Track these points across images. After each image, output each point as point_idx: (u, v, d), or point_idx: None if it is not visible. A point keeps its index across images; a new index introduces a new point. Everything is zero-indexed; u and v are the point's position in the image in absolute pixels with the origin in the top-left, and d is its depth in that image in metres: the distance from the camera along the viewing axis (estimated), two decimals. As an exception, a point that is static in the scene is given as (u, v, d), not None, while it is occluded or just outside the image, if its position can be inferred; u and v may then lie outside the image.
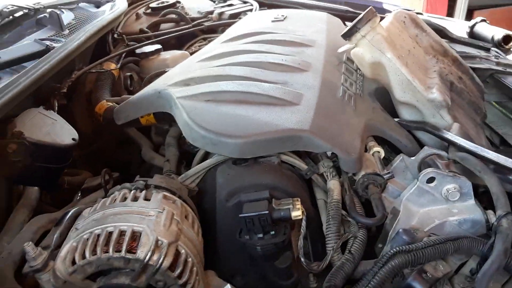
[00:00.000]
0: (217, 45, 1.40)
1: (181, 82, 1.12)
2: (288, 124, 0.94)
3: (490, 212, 0.96)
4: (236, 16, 2.17)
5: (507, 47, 1.74)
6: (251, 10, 2.25)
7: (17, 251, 1.03)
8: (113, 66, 1.78)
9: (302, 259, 0.88)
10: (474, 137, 1.19)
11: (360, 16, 1.12)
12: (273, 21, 1.55)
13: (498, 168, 0.98)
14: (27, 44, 1.38)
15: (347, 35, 1.15)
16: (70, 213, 1.04)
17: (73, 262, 0.77)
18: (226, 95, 1.03)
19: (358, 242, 0.91)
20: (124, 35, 2.02)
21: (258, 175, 0.95)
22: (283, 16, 1.59)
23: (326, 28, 1.50)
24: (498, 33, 1.78)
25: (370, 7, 1.14)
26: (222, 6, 2.38)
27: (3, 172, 1.05)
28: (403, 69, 1.13)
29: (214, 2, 2.52)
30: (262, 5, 2.31)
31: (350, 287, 0.84)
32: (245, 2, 2.39)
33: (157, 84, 1.19)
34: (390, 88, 1.19)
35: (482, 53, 1.68)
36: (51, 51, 1.39)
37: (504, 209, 0.83)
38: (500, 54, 1.67)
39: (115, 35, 2.04)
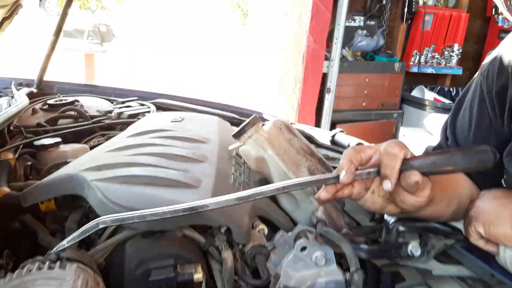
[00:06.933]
0: (123, 138, 1.58)
1: (94, 167, 1.26)
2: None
3: (348, 273, 1.22)
4: (135, 116, 2.39)
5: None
6: (148, 112, 2.49)
7: None
8: (10, 155, 1.82)
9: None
10: (335, 218, 1.49)
11: (247, 120, 1.42)
12: (172, 121, 1.80)
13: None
14: None
15: (237, 135, 1.44)
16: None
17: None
18: (137, 178, 1.20)
19: (249, 301, 1.09)
20: (22, 128, 2.08)
21: (165, 246, 1.10)
22: (180, 117, 1.85)
23: (218, 129, 1.79)
24: (352, 141, 2.27)
25: (254, 114, 1.45)
26: (121, 107, 2.58)
27: None
28: (280, 163, 1.43)
29: (112, 103, 2.71)
30: (159, 109, 2.58)
31: None
32: (142, 105, 2.64)
33: (67, 169, 1.31)
34: (271, 178, 1.47)
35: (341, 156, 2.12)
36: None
37: (355, 267, 1.10)
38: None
39: (11, 128, 2.09)
